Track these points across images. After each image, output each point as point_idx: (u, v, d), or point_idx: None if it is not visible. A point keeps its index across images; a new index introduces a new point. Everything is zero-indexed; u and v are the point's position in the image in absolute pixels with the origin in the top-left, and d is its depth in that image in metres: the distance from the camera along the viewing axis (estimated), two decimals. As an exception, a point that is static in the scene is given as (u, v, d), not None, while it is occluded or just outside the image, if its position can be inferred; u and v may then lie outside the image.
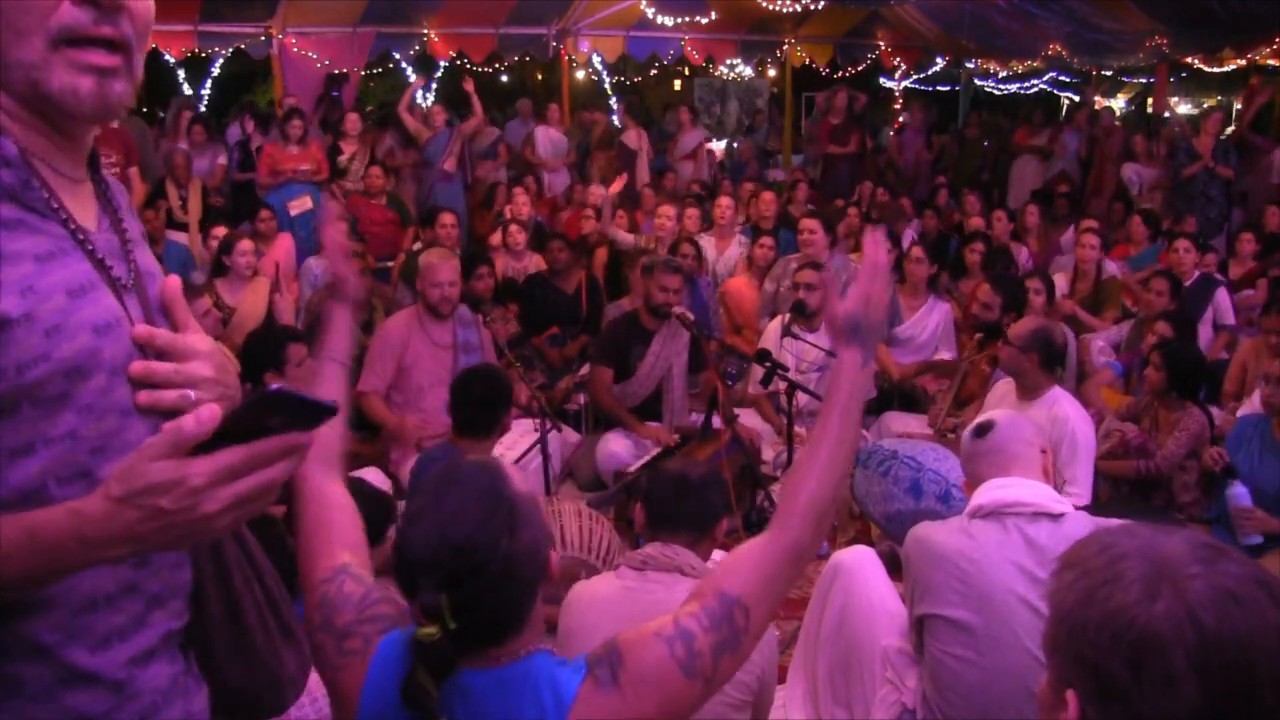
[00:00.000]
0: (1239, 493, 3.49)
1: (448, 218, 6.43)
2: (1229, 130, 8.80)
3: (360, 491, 2.39)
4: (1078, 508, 2.37)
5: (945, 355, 5.51)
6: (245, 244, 5.31)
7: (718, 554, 3.40)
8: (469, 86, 8.81)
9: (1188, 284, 5.61)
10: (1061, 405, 3.67)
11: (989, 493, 2.28)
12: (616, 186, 7.21)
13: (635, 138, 10.04)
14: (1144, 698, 0.92)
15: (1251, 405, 4.23)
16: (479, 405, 3.30)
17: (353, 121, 8.44)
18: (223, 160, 7.99)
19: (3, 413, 0.96)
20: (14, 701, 1.02)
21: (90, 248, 1.07)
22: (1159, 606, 0.92)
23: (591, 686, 1.31)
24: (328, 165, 7.77)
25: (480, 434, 3.30)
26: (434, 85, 11.31)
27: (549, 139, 9.89)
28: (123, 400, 1.04)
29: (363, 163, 7.98)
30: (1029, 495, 2.25)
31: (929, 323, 5.56)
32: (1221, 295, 5.67)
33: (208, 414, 0.91)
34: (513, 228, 6.65)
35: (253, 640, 1.23)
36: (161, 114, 12.64)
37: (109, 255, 1.09)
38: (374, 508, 2.42)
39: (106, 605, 1.07)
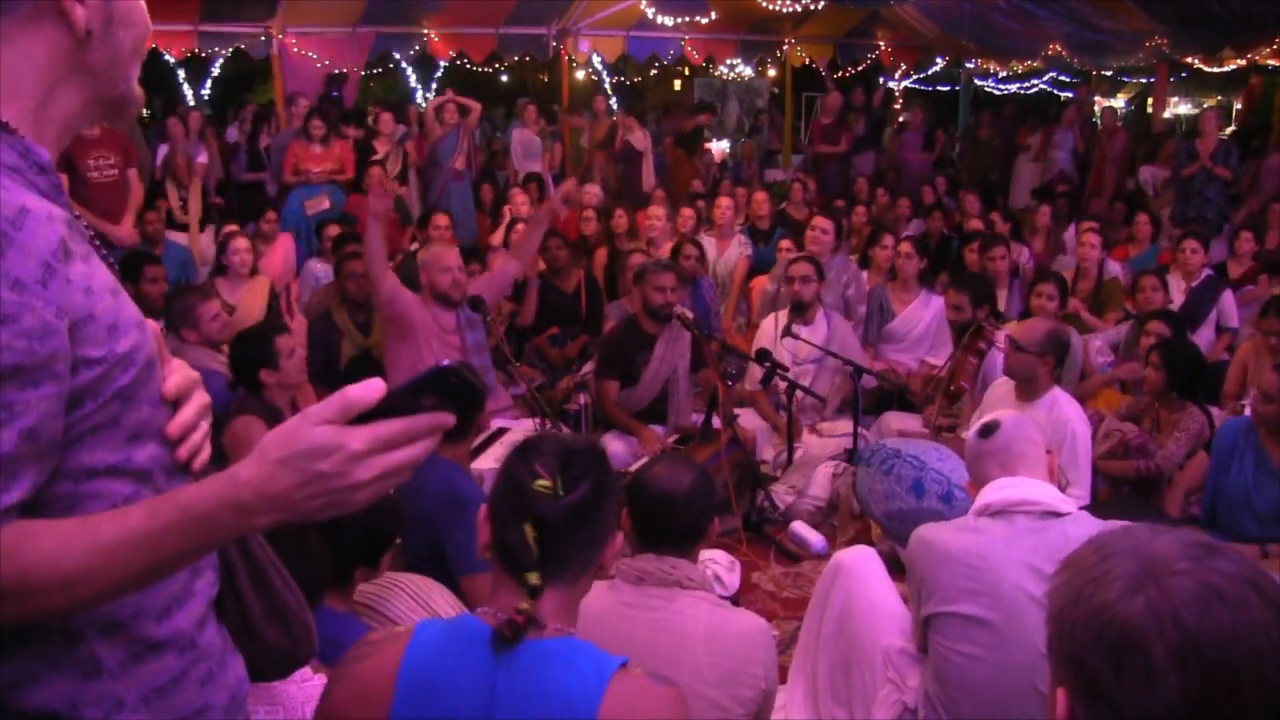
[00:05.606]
0: None
1: (441, 219, 6.41)
2: (1228, 130, 8.77)
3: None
4: (1080, 508, 2.37)
5: (940, 351, 5.49)
6: (241, 242, 5.32)
7: (707, 553, 3.41)
8: (449, 95, 8.86)
9: (1194, 284, 5.60)
10: (1061, 407, 3.67)
11: (996, 492, 2.28)
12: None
13: (641, 138, 10.03)
14: (1125, 695, 0.90)
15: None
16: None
17: (386, 121, 8.36)
18: (203, 159, 7.75)
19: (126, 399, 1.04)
20: (98, 682, 1.05)
21: (95, 242, 1.12)
22: (1140, 603, 0.91)
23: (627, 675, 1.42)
24: (353, 165, 7.73)
25: (451, 435, 3.35)
26: (433, 85, 11.31)
27: (522, 140, 9.89)
28: (158, 389, 1.12)
29: (396, 162, 7.93)
30: (1036, 494, 2.25)
31: (923, 317, 5.52)
32: (1226, 297, 5.66)
33: (375, 385, 0.95)
34: (519, 226, 6.66)
35: (283, 600, 1.30)
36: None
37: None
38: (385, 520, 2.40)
39: None
